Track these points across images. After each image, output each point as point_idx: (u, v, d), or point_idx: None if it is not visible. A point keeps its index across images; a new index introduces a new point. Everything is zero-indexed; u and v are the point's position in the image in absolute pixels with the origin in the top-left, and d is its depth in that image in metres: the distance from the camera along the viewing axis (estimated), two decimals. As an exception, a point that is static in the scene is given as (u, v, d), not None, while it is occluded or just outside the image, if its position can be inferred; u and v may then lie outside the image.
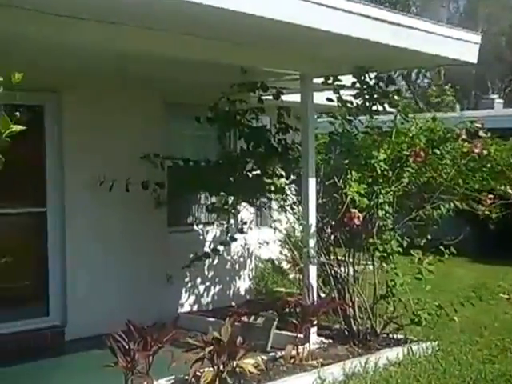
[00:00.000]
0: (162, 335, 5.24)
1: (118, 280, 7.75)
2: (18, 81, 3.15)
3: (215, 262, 8.67)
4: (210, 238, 8.72)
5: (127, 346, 5.12)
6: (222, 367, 5.53)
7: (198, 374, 5.51)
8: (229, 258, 8.90)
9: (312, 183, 6.95)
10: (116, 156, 7.75)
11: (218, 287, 8.80)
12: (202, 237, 8.65)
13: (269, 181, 7.50)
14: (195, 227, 8.70)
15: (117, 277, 7.74)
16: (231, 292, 8.97)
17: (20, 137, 7.65)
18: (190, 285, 8.51)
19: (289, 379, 5.81)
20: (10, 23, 4.63)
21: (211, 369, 5.51)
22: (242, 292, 9.10)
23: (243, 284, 9.12)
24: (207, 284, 8.70)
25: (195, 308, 8.55)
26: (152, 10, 4.75)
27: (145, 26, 5.19)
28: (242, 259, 9.08)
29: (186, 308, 8.47)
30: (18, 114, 2.77)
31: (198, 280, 8.61)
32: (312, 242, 6.84)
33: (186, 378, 5.55)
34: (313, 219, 6.91)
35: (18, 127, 2.58)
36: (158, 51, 5.68)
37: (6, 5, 4.41)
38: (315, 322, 6.71)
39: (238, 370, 5.56)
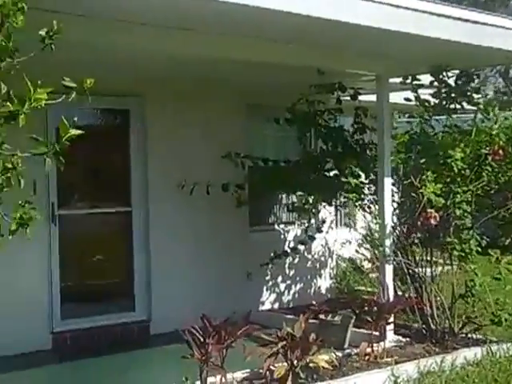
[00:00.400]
0: (235, 329, 5.42)
1: (199, 277, 8.00)
2: (89, 86, 3.35)
3: (296, 260, 8.82)
4: (290, 237, 8.87)
5: (202, 340, 5.33)
6: (295, 362, 5.67)
7: (272, 368, 5.67)
8: (309, 256, 9.03)
9: (388, 183, 7.00)
10: (197, 159, 8.02)
11: (298, 286, 8.94)
12: (282, 236, 8.81)
13: (346, 180, 7.57)
14: (276, 227, 8.87)
15: (198, 274, 7.99)
16: (312, 290, 9.09)
17: (108, 138, 8.10)
18: (270, 283, 8.69)
19: (361, 375, 5.88)
20: (101, 33, 4.95)
21: (285, 364, 5.66)
22: (323, 291, 9.21)
23: (324, 283, 9.22)
24: (288, 282, 8.86)
25: (276, 306, 8.72)
26: (234, 18, 4.97)
27: (227, 32, 5.42)
28: (322, 258, 9.19)
29: (267, 306, 8.65)
30: (75, 118, 2.92)
31: (279, 278, 8.78)
32: (388, 242, 6.89)
33: (260, 371, 5.71)
34: (388, 219, 6.96)
35: (77, 131, 2.76)
36: (237, 56, 5.90)
37: (98, 17, 4.72)
38: (391, 320, 6.75)
39: (311, 365, 5.68)
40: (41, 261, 7.12)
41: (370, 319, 6.46)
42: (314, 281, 9.10)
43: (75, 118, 2.82)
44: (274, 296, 8.74)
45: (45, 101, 2.55)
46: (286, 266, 8.78)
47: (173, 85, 7.65)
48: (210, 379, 5.38)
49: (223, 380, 5.42)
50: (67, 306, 7.28)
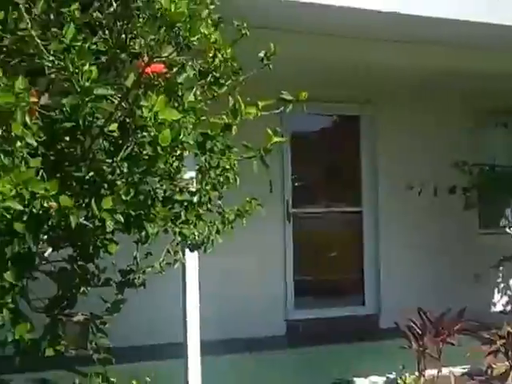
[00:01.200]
0: (451, 324, 5.61)
1: (425, 277, 8.18)
2: (304, 98, 3.82)
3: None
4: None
5: (420, 332, 5.60)
6: (516, 361, 5.72)
7: (493, 365, 5.77)
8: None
9: None
10: (424, 162, 8.22)
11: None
12: (512, 239, 8.68)
13: None
14: (508, 230, 8.75)
15: (425, 274, 8.18)
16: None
17: (340, 141, 8.56)
18: (502, 285, 8.62)
19: None
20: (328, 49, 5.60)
21: (506, 363, 5.73)
22: None
23: None
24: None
25: (508, 308, 8.62)
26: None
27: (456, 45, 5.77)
28: None
29: (499, 307, 8.60)
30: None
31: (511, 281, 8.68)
32: None
33: (481, 368, 5.84)
34: None
35: (279, 139, 3.16)
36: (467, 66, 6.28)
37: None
38: None
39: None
40: (276, 255, 7.79)
41: None
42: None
43: (277, 128, 3.25)
44: (505, 298, 8.66)
45: (255, 113, 3.04)
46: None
47: (400, 93, 7.94)
48: (427, 371, 5.62)
49: (440, 373, 5.63)
50: (300, 298, 7.90)
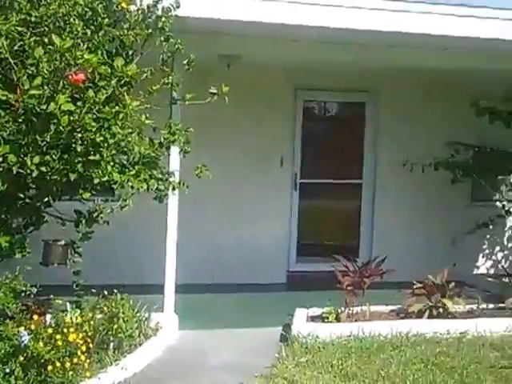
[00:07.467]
0: (374, 271, 7.13)
1: (414, 239, 9.60)
2: (226, 92, 5.57)
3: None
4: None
5: (349, 274, 7.16)
6: (432, 303, 7.15)
7: (411, 305, 7.21)
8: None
9: None
10: (419, 143, 9.55)
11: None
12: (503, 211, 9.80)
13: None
14: (498, 203, 9.88)
15: (413, 236, 9.60)
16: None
17: (347, 124, 10.32)
18: (487, 251, 9.87)
19: (487, 319, 7.08)
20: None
21: (422, 303, 7.16)
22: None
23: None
24: (506, 253, 9.94)
25: (492, 271, 9.84)
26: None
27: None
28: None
29: (482, 270, 9.86)
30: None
31: (497, 248, 9.92)
32: None
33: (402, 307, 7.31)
34: None
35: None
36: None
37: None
38: None
39: (440, 304, 7.10)
40: (284, 217, 9.49)
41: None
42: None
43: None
44: (490, 263, 9.94)
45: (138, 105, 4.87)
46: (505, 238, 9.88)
47: (402, 84, 9.34)
48: (355, 309, 7.12)
49: (363, 309, 7.11)
50: (301, 253, 9.60)
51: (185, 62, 5.71)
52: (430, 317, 7.08)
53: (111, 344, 5.83)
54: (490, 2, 6.90)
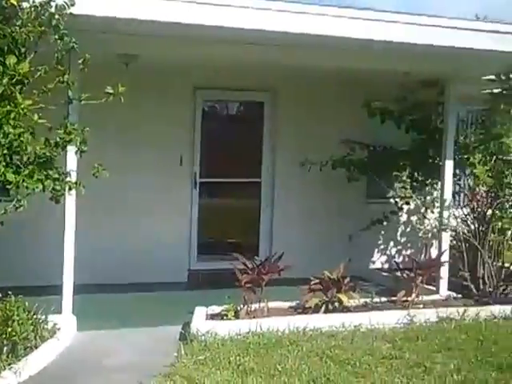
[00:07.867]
0: (272, 268, 7.26)
1: (309, 236, 9.81)
2: (122, 92, 5.54)
3: (407, 230, 10.25)
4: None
5: (247, 272, 7.27)
6: (328, 298, 7.35)
7: (308, 300, 7.40)
8: (422, 227, 10.28)
9: (449, 165, 8.40)
10: (316, 143, 9.76)
11: (409, 251, 10.33)
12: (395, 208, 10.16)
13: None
14: (392, 200, 10.24)
15: (311, 234, 9.82)
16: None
17: (246, 123, 10.46)
18: (382, 247, 10.23)
19: (380, 313, 7.35)
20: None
21: (319, 298, 7.36)
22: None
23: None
24: (399, 247, 10.32)
25: (386, 266, 10.20)
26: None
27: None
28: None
29: (377, 265, 10.20)
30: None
31: (391, 243, 10.29)
32: (446, 213, 8.25)
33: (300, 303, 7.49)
34: (448, 194, 8.31)
35: None
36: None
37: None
38: (443, 276, 8.10)
39: (335, 299, 7.32)
40: (184, 217, 9.52)
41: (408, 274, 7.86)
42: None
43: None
44: (384, 258, 10.30)
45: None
46: (398, 233, 10.26)
47: (299, 84, 9.51)
48: (254, 305, 7.23)
49: (261, 305, 7.25)
50: (202, 251, 9.65)
51: (80, 61, 5.66)
52: (327, 311, 7.29)
53: (4, 348, 5.70)
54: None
